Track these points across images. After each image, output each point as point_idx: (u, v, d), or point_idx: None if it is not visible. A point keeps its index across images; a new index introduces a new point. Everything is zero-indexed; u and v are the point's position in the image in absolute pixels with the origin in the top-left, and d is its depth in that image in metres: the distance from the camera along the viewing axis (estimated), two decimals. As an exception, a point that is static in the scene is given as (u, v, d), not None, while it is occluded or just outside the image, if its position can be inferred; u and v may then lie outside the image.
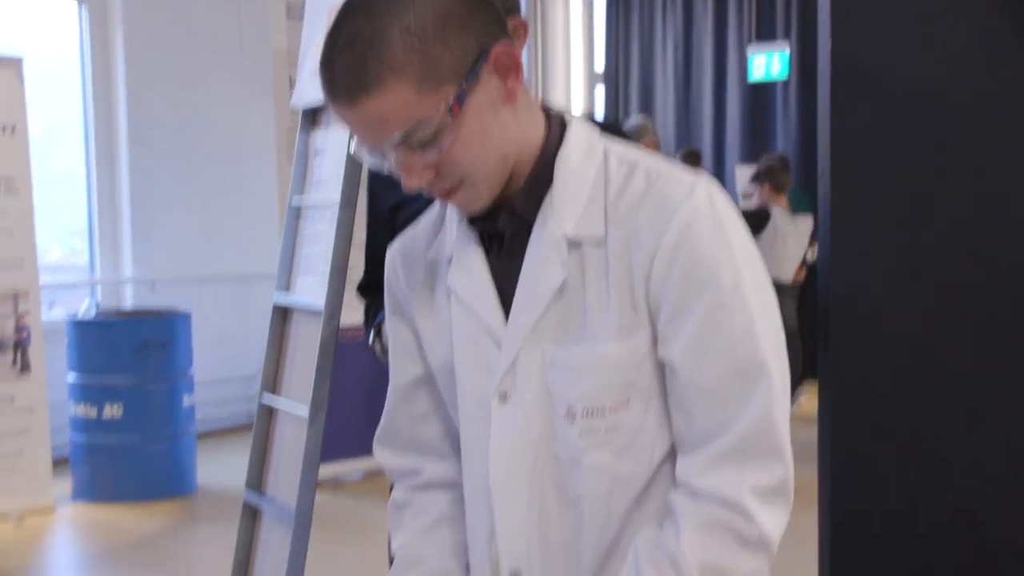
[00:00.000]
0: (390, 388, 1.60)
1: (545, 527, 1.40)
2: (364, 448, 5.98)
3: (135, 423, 5.91)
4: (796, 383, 7.28)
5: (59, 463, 6.00)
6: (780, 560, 1.43)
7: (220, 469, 6.60)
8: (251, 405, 7.38)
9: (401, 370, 1.59)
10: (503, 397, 1.40)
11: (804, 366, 7.22)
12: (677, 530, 1.32)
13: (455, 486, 1.56)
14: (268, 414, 3.28)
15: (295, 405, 3.15)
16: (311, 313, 3.27)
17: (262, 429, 3.25)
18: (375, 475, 6.19)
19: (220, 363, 7.24)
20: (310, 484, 2.99)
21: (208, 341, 6.88)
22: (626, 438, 1.36)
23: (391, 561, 1.61)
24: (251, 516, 3.34)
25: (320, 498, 6.22)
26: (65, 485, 6.02)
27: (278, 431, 3.21)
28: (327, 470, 6.00)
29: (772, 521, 1.32)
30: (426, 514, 1.58)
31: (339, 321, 3.14)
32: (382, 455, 1.63)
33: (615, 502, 1.37)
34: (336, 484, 6.03)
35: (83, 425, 5.94)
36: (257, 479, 3.31)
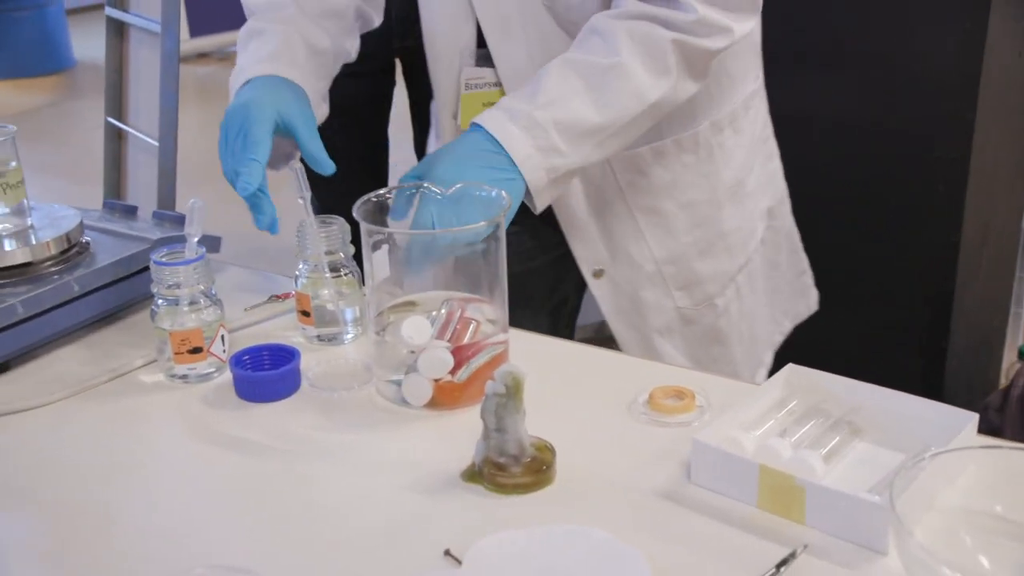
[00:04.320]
0: None
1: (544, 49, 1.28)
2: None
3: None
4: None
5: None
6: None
7: (97, 45, 6.30)
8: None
9: None
10: None
11: None
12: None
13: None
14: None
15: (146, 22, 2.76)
16: None
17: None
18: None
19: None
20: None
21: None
22: None
23: None
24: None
25: (206, 69, 6.13)
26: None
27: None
28: (210, 42, 5.81)
29: (717, 14, 1.17)
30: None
31: None
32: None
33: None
34: (222, 56, 5.87)
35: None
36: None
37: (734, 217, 1.36)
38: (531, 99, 1.13)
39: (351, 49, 1.36)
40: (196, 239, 1.05)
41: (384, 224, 1.04)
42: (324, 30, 1.30)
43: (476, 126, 1.12)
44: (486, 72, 1.31)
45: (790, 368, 0.97)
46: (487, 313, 1.04)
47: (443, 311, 1.03)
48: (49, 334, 1.11)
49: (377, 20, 1.40)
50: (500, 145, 1.11)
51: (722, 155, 1.34)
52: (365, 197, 1.04)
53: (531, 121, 1.11)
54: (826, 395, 0.94)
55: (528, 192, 1.13)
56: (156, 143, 2.40)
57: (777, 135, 1.47)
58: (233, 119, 1.09)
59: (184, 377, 1.06)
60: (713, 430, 0.89)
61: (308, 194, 1.12)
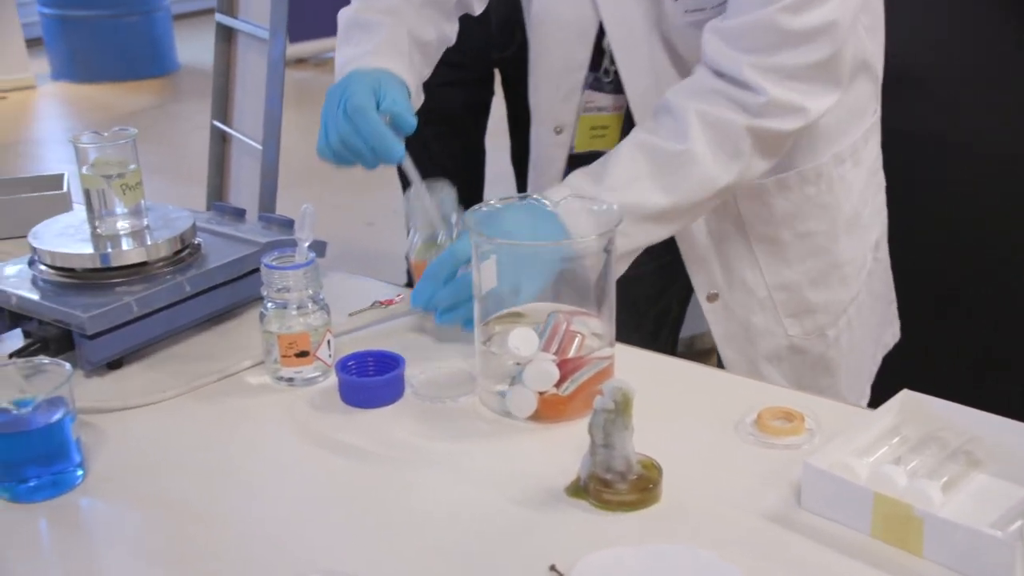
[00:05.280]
0: None
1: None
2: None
3: (105, -5, 5.71)
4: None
5: (33, 44, 5.84)
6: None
7: (202, 49, 6.46)
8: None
9: None
10: None
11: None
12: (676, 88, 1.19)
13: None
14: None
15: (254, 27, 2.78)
16: None
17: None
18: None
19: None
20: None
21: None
22: None
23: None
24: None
25: (303, 74, 6.23)
26: (42, 64, 5.91)
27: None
28: (308, 47, 5.90)
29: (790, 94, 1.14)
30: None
31: None
32: None
33: None
34: (319, 62, 5.96)
35: (51, -1, 5.75)
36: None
37: (849, 248, 1.34)
38: (598, 181, 1.14)
39: (451, 34, 1.36)
40: (307, 244, 1.06)
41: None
42: (428, 19, 1.30)
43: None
44: (600, 97, 1.31)
45: (904, 394, 0.94)
46: (593, 327, 1.03)
47: (549, 323, 1.03)
48: (160, 333, 1.13)
49: (479, 7, 1.39)
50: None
51: (842, 187, 1.32)
52: (477, 206, 1.04)
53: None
54: (942, 423, 0.92)
55: None
56: (259, 146, 2.45)
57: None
58: (334, 93, 1.12)
59: (290, 380, 1.07)
60: (824, 455, 0.87)
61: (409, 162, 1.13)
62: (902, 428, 0.92)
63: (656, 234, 1.17)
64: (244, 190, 2.65)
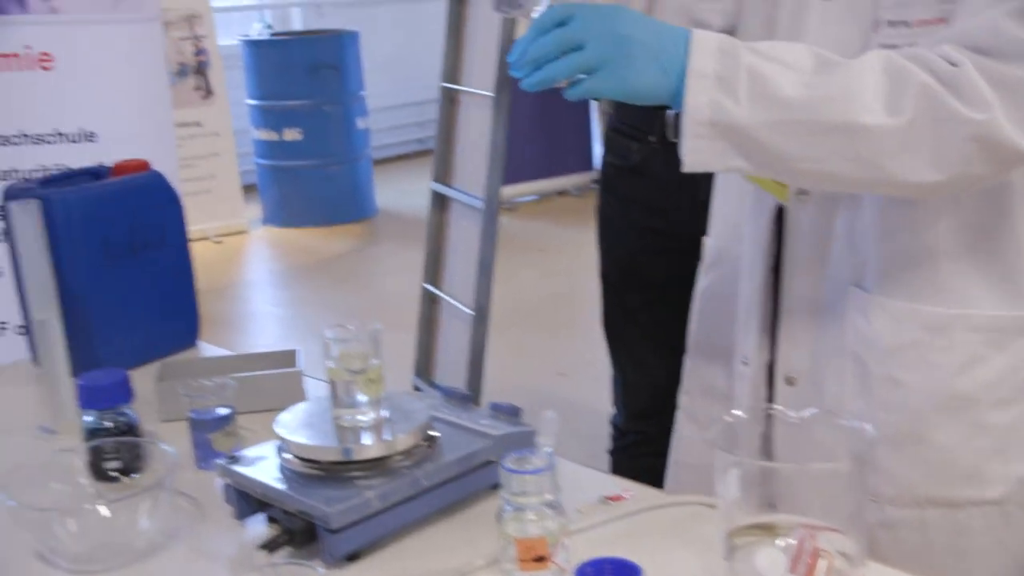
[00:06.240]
0: None
1: None
2: (537, 171, 6.16)
3: (314, 146, 6.07)
4: None
5: (247, 189, 6.24)
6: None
7: (397, 194, 6.74)
8: (423, 132, 7.45)
9: None
10: None
11: None
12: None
13: None
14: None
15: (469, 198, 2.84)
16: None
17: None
18: (549, 197, 6.24)
19: (391, 89, 7.24)
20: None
21: (379, 66, 6.86)
22: None
23: None
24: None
25: (503, 219, 6.41)
26: (255, 210, 6.29)
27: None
28: (509, 191, 6.08)
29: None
30: None
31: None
32: None
33: None
34: (511, 207, 6.11)
35: (266, 149, 6.14)
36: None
37: None
38: (753, 45, 1.07)
39: None
40: (548, 449, 1.07)
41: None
42: None
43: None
44: None
45: None
46: (839, 544, 0.99)
47: (793, 539, 0.99)
48: (396, 527, 1.15)
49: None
50: (688, 45, 1.05)
51: None
52: None
53: (732, 50, 1.05)
54: None
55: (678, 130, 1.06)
56: (470, 312, 2.51)
57: None
58: None
59: (526, 585, 1.06)
60: None
61: None
62: None
63: (760, 129, 1.05)
64: (451, 351, 2.71)
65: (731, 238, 1.40)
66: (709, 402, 1.45)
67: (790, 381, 1.30)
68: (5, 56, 2.01)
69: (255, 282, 5.55)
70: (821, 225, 1.25)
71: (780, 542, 0.99)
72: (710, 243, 1.48)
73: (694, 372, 1.49)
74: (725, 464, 0.98)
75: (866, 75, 1.05)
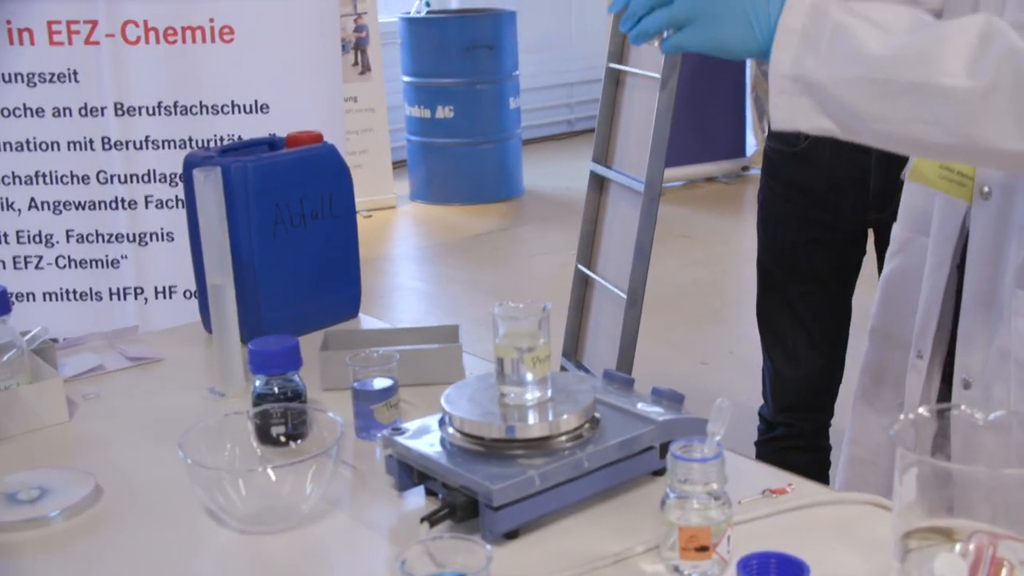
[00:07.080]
0: None
1: None
2: (685, 157, 6.08)
3: (465, 124, 6.13)
4: None
5: (396, 165, 6.34)
6: None
7: (543, 175, 6.75)
8: (572, 113, 7.44)
9: None
10: None
11: None
12: None
13: None
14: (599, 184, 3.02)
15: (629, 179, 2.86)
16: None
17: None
18: (696, 183, 6.17)
19: (543, 69, 7.24)
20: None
21: (532, 46, 6.87)
22: None
23: None
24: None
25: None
26: (403, 186, 6.40)
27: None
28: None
29: None
30: None
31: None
32: None
33: None
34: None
35: (418, 126, 6.22)
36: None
37: None
38: (851, 5, 1.05)
39: None
40: (717, 438, 1.05)
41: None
42: None
43: None
44: None
45: None
46: (1021, 554, 0.95)
47: (971, 546, 0.95)
48: (556, 507, 1.15)
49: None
50: (783, 2, 1.04)
51: None
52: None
53: (824, 7, 1.04)
54: None
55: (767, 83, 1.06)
56: (623, 295, 2.50)
57: None
58: None
59: (687, 574, 1.05)
60: None
61: None
62: None
63: (840, 86, 1.04)
64: (601, 334, 2.70)
65: (919, 229, 1.37)
66: (885, 388, 1.46)
67: (967, 384, 1.26)
68: (191, 28, 2.08)
69: (402, 256, 5.65)
70: (1000, 226, 1.21)
71: (958, 548, 0.95)
72: (897, 230, 1.46)
73: (874, 355, 1.50)
74: (906, 463, 0.95)
75: (956, 37, 1.02)
